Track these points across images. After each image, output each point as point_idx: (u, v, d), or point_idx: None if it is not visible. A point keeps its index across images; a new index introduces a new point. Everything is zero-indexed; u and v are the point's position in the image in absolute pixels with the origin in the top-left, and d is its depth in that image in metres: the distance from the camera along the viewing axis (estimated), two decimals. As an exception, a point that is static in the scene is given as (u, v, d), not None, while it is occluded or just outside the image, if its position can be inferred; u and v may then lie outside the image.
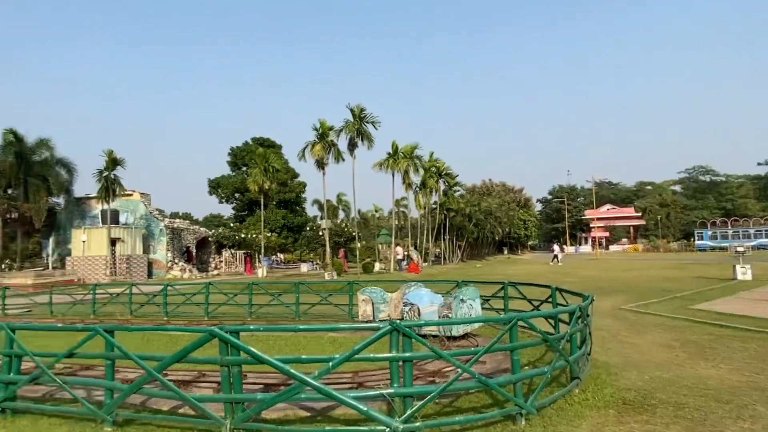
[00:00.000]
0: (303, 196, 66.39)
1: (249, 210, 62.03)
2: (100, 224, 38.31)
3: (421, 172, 45.76)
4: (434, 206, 54.24)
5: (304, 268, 46.22)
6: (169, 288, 15.98)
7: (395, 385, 4.68)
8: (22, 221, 40.75)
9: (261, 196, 42.58)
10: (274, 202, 59.51)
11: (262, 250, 41.91)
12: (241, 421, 4.69)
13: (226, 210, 69.58)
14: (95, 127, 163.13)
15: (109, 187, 35.60)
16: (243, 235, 48.54)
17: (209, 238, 49.62)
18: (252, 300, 14.83)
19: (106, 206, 37.20)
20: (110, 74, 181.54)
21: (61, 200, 43.63)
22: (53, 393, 6.63)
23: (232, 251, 49.25)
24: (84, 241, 36.91)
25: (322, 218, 60.02)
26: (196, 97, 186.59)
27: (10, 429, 5.43)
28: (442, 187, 53.59)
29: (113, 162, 35.39)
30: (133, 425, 5.34)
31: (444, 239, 55.77)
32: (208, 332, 4.81)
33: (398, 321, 5.01)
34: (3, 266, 39.22)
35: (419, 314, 9.73)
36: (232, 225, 58.11)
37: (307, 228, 60.70)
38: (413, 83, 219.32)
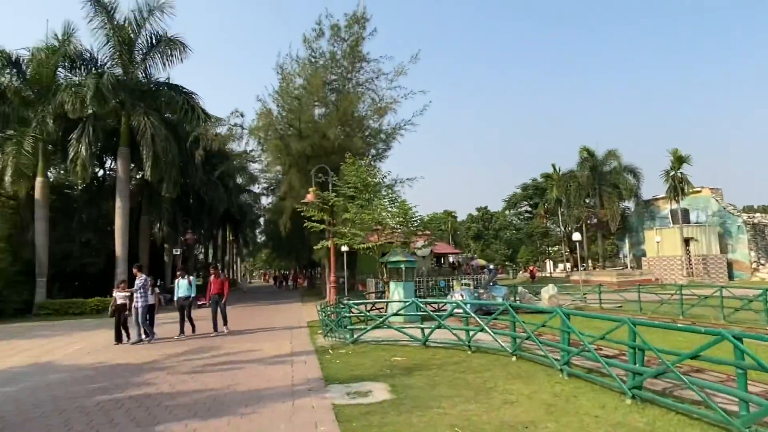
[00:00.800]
0: None
1: None
2: (670, 224, 38.12)
3: None
4: None
5: None
6: (769, 293, 13.79)
7: None
8: (599, 225, 46.70)
9: None
10: None
11: None
12: None
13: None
14: (649, 130, 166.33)
15: (677, 186, 35.14)
16: None
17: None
18: None
19: (674, 206, 36.84)
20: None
21: (630, 204, 46.81)
22: (671, 389, 6.86)
23: None
24: (657, 242, 37.83)
25: None
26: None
27: (642, 414, 5.94)
28: None
29: (678, 160, 34.76)
30: (777, 449, 4.71)
31: None
32: None
33: None
34: (589, 265, 45.97)
35: None
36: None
37: None
38: None
